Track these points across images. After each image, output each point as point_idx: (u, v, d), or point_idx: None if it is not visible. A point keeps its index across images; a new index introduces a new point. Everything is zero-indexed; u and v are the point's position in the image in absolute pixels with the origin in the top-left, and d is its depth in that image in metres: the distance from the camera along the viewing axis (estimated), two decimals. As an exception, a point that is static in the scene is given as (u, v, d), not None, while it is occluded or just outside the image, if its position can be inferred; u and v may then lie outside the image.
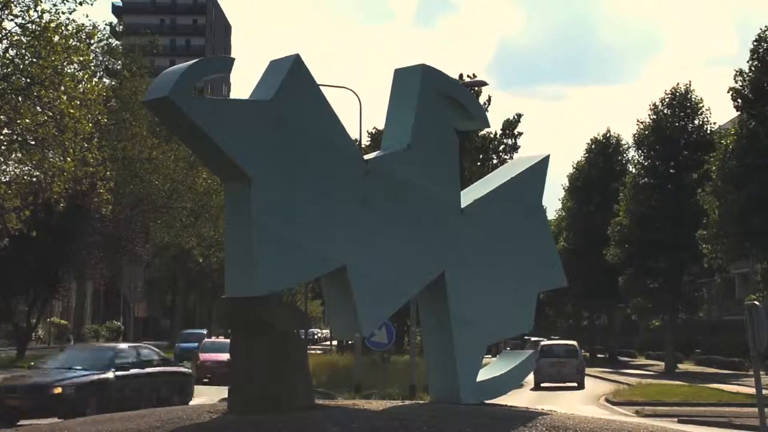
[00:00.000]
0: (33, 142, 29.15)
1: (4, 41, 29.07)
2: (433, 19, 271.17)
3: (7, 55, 29.02)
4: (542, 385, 37.16)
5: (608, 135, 65.76)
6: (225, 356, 31.36)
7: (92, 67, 35.39)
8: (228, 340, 31.36)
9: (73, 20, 29.93)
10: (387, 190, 10.20)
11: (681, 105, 51.56)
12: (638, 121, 52.16)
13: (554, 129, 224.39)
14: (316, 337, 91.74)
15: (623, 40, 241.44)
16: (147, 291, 65.73)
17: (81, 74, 31.17)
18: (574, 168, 66.54)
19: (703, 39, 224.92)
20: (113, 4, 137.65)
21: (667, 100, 51.60)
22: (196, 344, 52.07)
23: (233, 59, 9.54)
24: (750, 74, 37.52)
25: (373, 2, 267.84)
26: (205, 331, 57.80)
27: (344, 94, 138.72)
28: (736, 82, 37.75)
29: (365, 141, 48.51)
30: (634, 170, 53.94)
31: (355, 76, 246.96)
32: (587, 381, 41.58)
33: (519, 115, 52.69)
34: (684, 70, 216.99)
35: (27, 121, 27.69)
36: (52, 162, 28.86)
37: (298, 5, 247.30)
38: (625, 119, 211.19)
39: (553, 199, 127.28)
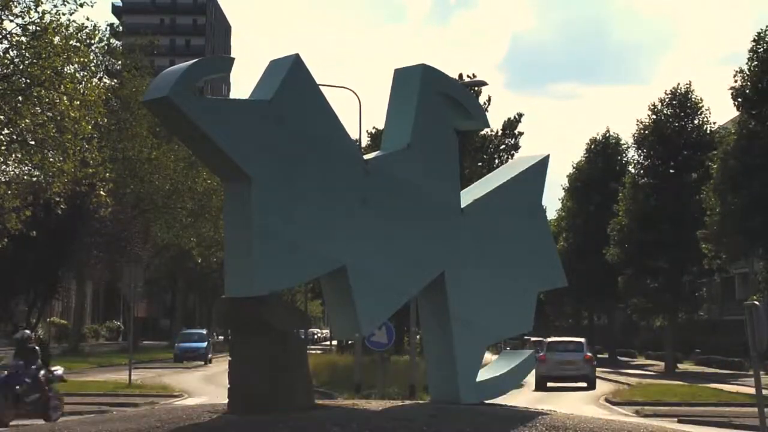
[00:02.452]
0: (33, 143, 29.18)
1: (5, 42, 29.11)
2: (446, 17, 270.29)
3: (8, 55, 29.03)
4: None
5: (608, 135, 65.76)
6: None
7: (92, 68, 35.39)
8: None
9: (74, 21, 29.97)
10: (387, 190, 10.20)
11: (681, 105, 51.54)
12: (638, 120, 52.18)
13: (568, 128, 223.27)
14: (316, 337, 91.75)
15: (638, 38, 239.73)
16: (147, 291, 65.77)
17: (81, 75, 31.21)
18: (573, 168, 66.51)
19: (720, 36, 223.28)
20: (113, 4, 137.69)
21: (666, 99, 51.60)
22: (197, 344, 52.23)
23: (233, 59, 9.54)
24: (750, 74, 37.52)
25: (378, 2, 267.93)
26: (204, 331, 57.83)
27: (344, 94, 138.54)
28: (736, 81, 37.75)
29: (365, 141, 48.51)
30: (633, 170, 53.90)
31: (354, 76, 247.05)
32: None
33: (520, 115, 52.75)
34: (700, 68, 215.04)
35: (27, 121, 27.73)
36: (52, 162, 28.88)
37: (298, 5, 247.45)
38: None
39: (553, 199, 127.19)
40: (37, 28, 28.26)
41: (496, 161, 50.57)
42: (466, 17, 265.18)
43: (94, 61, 41.43)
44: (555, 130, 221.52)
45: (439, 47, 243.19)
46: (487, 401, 10.86)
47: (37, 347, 19.43)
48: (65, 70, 28.98)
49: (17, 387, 18.08)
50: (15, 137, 29.35)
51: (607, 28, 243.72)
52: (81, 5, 30.35)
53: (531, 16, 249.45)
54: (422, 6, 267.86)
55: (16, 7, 28.61)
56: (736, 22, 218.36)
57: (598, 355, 68.05)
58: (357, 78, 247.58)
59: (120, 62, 51.46)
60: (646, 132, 51.46)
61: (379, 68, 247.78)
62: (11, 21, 28.83)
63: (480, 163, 49.75)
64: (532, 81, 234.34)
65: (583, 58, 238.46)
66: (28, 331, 20.67)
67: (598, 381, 36.38)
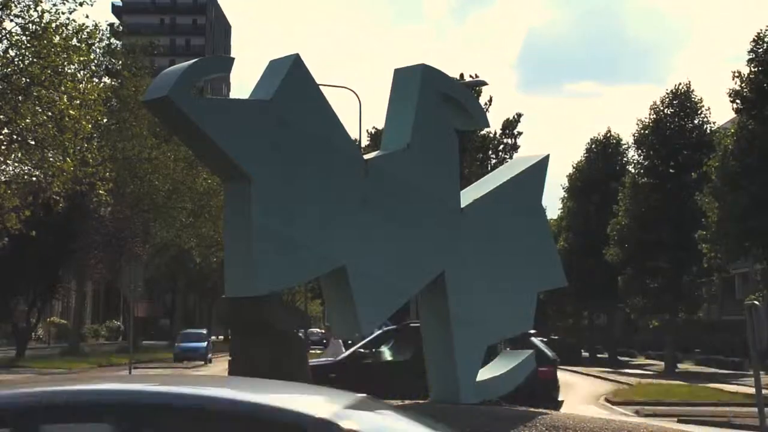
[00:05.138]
0: (33, 142, 29.17)
1: (5, 41, 29.09)
2: (461, 17, 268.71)
3: (8, 55, 29.02)
4: None
5: (608, 135, 65.78)
6: None
7: (92, 68, 35.39)
8: None
9: (73, 20, 29.96)
10: (387, 190, 10.20)
11: (681, 105, 51.56)
12: (638, 120, 52.20)
13: (584, 128, 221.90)
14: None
15: (656, 35, 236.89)
16: (147, 291, 65.74)
17: (81, 74, 31.20)
18: (573, 168, 66.51)
19: (739, 32, 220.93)
20: (113, 4, 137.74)
21: (667, 99, 51.62)
22: (197, 344, 52.21)
23: (233, 59, 9.53)
24: (749, 75, 37.51)
25: (379, 2, 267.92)
26: (204, 331, 57.81)
27: (344, 94, 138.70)
28: (735, 82, 37.74)
29: (365, 141, 48.53)
30: (633, 170, 53.91)
31: (354, 76, 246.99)
32: (586, 380, 41.65)
33: (519, 115, 52.87)
34: (718, 65, 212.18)
35: (27, 121, 27.71)
36: (52, 162, 28.88)
37: (298, 5, 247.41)
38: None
39: (553, 199, 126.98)
40: (37, 27, 28.25)
41: (494, 161, 50.59)
42: (479, 16, 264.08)
43: (95, 60, 41.45)
44: (571, 129, 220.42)
45: (444, 47, 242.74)
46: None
47: None
48: (65, 69, 28.96)
49: None
50: (15, 137, 29.35)
51: (623, 24, 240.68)
52: (80, 4, 30.36)
53: (546, 13, 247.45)
54: (426, 6, 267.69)
55: (16, 6, 28.61)
56: (755, 17, 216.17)
57: (598, 355, 68.09)
58: (357, 78, 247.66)
59: (120, 62, 51.45)
60: (647, 132, 51.48)
61: (379, 68, 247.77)
62: (11, 20, 28.85)
63: (478, 163, 49.79)
64: (547, 80, 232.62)
65: (600, 55, 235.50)
66: None
67: (599, 380, 36.41)
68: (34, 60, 28.02)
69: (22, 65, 28.58)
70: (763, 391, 16.05)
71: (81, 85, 29.62)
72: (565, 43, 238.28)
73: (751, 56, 37.66)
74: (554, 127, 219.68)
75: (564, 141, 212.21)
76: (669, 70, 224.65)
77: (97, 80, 38.50)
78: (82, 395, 4.08)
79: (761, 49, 37.41)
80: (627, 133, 65.91)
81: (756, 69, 37.46)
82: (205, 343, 52.80)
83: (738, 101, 37.78)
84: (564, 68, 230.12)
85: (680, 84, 51.96)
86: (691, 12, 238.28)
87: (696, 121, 51.84)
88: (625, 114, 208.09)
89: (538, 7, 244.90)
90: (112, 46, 52.08)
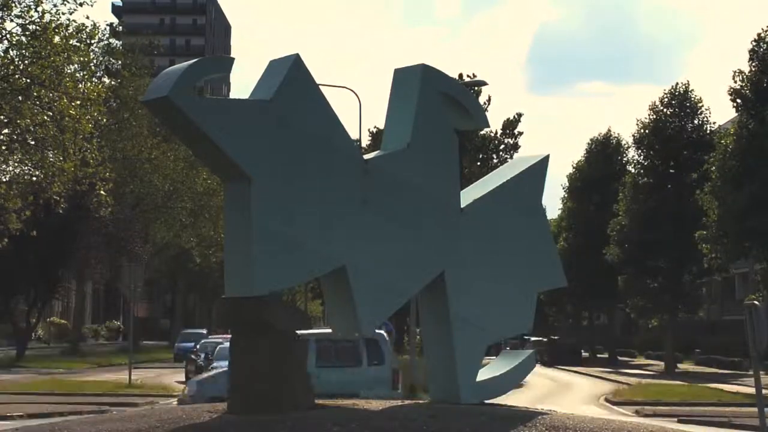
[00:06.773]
0: (33, 142, 29.16)
1: (5, 41, 29.08)
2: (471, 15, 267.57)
3: (8, 55, 29.00)
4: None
5: (608, 135, 65.77)
6: None
7: (92, 68, 35.35)
8: None
9: (74, 20, 29.93)
10: (387, 190, 10.19)
11: (681, 105, 51.56)
12: (638, 120, 52.22)
13: (593, 129, 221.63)
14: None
15: (669, 35, 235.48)
16: (147, 291, 65.74)
17: (81, 74, 31.19)
18: (573, 168, 66.50)
19: (752, 30, 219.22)
20: (113, 4, 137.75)
21: (666, 99, 51.61)
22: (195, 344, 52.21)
23: (233, 59, 9.54)
24: (750, 75, 37.54)
25: (379, 2, 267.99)
26: (204, 331, 57.80)
27: (344, 94, 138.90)
28: (735, 82, 37.75)
29: (365, 141, 48.56)
30: (633, 170, 53.91)
31: (354, 76, 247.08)
32: (586, 380, 41.68)
33: (519, 115, 52.91)
34: (731, 65, 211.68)
35: (27, 121, 27.70)
36: (52, 162, 28.88)
37: (298, 5, 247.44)
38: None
39: (553, 199, 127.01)
40: (37, 27, 28.24)
41: (496, 161, 50.60)
42: (487, 15, 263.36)
43: (94, 60, 41.43)
44: (580, 130, 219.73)
45: (449, 48, 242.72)
46: (487, 401, 10.85)
47: None
48: (65, 69, 28.95)
49: None
50: (15, 137, 29.34)
51: (635, 23, 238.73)
52: (81, 4, 30.30)
53: (556, 11, 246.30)
54: (428, 6, 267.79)
55: (16, 7, 28.60)
56: (764, 16, 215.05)
57: (598, 355, 68.05)
58: (357, 78, 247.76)
59: (120, 62, 51.46)
60: (647, 132, 51.48)
61: (379, 68, 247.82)
62: (11, 21, 28.84)
63: (478, 163, 49.80)
64: (557, 80, 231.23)
65: (611, 55, 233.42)
66: None
67: (599, 380, 36.43)
68: (34, 60, 27.99)
69: (22, 65, 28.55)
70: (764, 391, 16.06)
71: (81, 85, 29.60)
72: (575, 43, 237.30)
73: (751, 56, 37.72)
74: (563, 128, 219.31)
75: (572, 141, 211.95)
76: (681, 70, 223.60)
77: (96, 80, 38.48)
78: None
79: (762, 49, 37.46)
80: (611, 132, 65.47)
81: (756, 68, 37.51)
82: (205, 343, 52.68)
83: (738, 100, 37.81)
84: (574, 68, 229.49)
85: (678, 84, 51.97)
86: (703, 10, 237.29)
87: (696, 121, 51.84)
88: (635, 114, 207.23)
89: (547, 6, 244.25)
90: (112, 46, 52.10)
